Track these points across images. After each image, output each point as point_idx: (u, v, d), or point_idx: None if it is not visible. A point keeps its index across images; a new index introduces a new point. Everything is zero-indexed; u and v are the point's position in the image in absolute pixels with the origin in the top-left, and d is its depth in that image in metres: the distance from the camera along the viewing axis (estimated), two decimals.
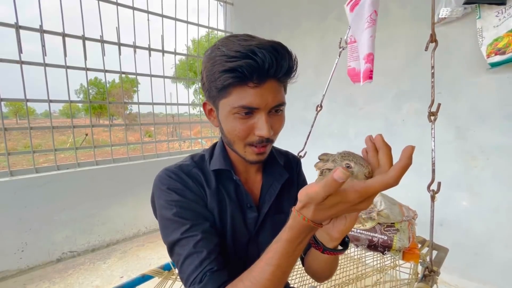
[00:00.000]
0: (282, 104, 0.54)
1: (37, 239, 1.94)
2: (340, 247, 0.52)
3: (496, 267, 1.38)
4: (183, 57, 3.14)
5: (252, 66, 0.47)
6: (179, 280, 1.08)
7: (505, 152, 1.32)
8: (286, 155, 0.76)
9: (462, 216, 1.48)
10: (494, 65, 1.23)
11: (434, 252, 1.10)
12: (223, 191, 0.60)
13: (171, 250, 0.54)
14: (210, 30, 3.01)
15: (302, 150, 1.42)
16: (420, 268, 1.06)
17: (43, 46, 1.94)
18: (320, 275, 0.66)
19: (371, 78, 1.06)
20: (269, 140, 0.55)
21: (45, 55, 1.94)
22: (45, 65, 1.94)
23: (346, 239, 0.53)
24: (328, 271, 0.65)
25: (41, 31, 1.90)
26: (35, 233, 1.93)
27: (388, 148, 0.39)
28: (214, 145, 0.66)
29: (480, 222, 1.42)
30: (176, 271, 1.11)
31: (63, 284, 1.79)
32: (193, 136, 3.30)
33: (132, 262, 2.06)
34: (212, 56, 0.51)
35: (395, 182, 0.34)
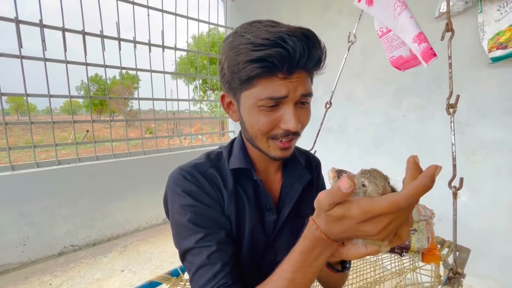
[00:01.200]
0: (310, 94, 0.49)
1: (38, 233, 1.96)
2: (338, 267, 0.49)
3: (495, 262, 1.38)
4: (184, 54, 3.12)
5: (282, 56, 0.42)
6: (188, 286, 1.02)
7: (505, 148, 1.32)
8: (307, 154, 0.70)
9: (461, 212, 1.47)
10: (495, 59, 1.22)
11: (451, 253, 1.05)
12: (241, 192, 0.56)
13: (183, 257, 0.51)
14: (211, 26, 2.99)
15: (312, 148, 1.41)
16: (442, 270, 1.00)
17: (43, 40, 1.94)
18: (324, 285, 0.64)
19: (435, 55, 0.96)
20: (296, 134, 0.50)
21: (45, 50, 1.94)
22: (45, 59, 1.94)
23: (348, 264, 0.50)
24: (331, 284, 0.61)
25: (41, 25, 1.90)
26: (37, 227, 1.95)
27: (414, 169, 0.32)
28: (232, 142, 0.61)
29: (479, 217, 1.42)
30: (185, 277, 1.05)
31: (64, 277, 1.81)
32: (193, 132, 3.30)
33: (133, 256, 2.08)
34: (235, 44, 0.46)
35: (405, 202, 0.28)
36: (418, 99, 1.62)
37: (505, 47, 1.14)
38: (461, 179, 0.75)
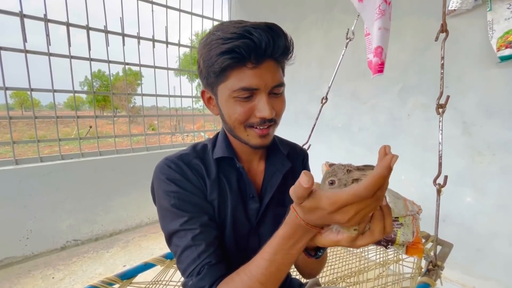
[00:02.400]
0: (281, 84, 0.53)
1: (41, 227, 1.97)
2: (312, 253, 0.51)
3: (499, 264, 1.37)
4: (187, 51, 3.12)
5: (249, 46, 0.46)
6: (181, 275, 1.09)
7: None
8: (293, 146, 0.74)
9: (466, 212, 1.47)
10: (504, 58, 1.20)
11: (439, 247, 1.10)
12: (224, 181, 0.59)
13: (169, 240, 0.55)
14: (215, 23, 2.98)
15: (306, 143, 1.41)
16: (423, 263, 1.05)
17: (47, 35, 1.94)
18: (301, 272, 0.67)
19: (381, 71, 1.02)
20: (272, 121, 0.53)
21: (49, 45, 1.95)
22: (49, 54, 1.94)
23: (321, 251, 0.52)
24: (308, 270, 0.64)
25: (45, 20, 1.90)
26: (40, 221, 1.96)
27: (383, 160, 0.33)
28: (217, 135, 0.65)
29: (484, 218, 1.41)
30: None
31: (67, 271, 1.83)
32: (196, 129, 3.30)
33: (134, 251, 2.09)
34: (208, 41, 0.50)
35: (367, 193, 0.30)
36: (424, 98, 1.60)
37: None
38: (445, 177, 0.78)
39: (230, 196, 0.58)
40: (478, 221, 1.43)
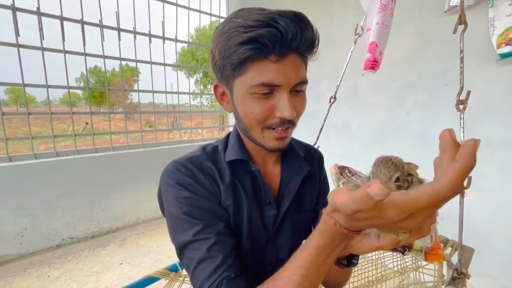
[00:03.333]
0: (305, 82, 0.48)
1: (36, 225, 1.94)
2: (345, 262, 0.46)
3: (497, 261, 1.38)
4: (185, 46, 3.08)
5: (274, 36, 0.41)
6: (187, 282, 0.99)
7: (511, 146, 1.29)
8: (308, 148, 0.68)
9: (464, 210, 1.47)
10: (504, 56, 1.19)
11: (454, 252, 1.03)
12: (239, 186, 0.53)
13: (181, 253, 0.49)
14: (213, 18, 2.94)
15: (315, 143, 1.38)
16: (445, 270, 0.98)
17: (41, 29, 1.89)
18: (327, 285, 0.61)
19: (372, 68, 0.99)
20: (291, 122, 0.49)
21: (43, 39, 1.90)
22: (43, 49, 1.90)
23: (355, 259, 0.47)
24: (334, 281, 0.58)
25: (39, 13, 1.85)
26: (35, 219, 1.93)
27: (452, 146, 0.27)
28: (228, 135, 0.59)
29: (482, 216, 1.41)
30: (184, 272, 1.01)
31: (63, 270, 1.81)
32: (193, 126, 3.27)
33: (131, 249, 2.07)
34: (226, 29, 0.45)
35: (449, 190, 0.24)
36: (424, 96, 1.59)
37: None
38: (470, 178, 0.72)
39: (246, 201, 0.53)
40: (476, 219, 1.43)
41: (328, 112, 1.23)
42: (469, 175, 0.71)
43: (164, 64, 2.57)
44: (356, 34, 1.14)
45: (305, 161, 0.60)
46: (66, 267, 1.84)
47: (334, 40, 1.98)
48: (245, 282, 0.46)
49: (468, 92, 0.72)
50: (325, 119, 1.23)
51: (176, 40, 2.61)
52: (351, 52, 1.16)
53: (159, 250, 2.05)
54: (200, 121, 3.11)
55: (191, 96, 2.92)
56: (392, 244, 0.33)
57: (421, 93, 1.60)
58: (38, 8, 1.84)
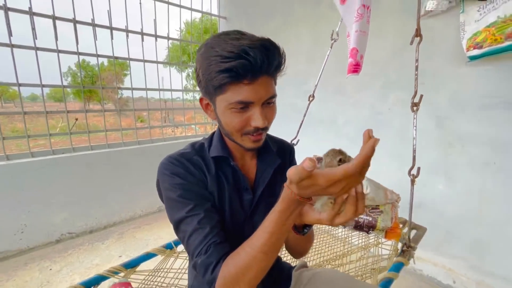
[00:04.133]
0: (274, 96, 0.59)
1: (35, 221, 2.00)
2: (301, 230, 0.60)
3: (465, 244, 1.53)
4: (176, 42, 3.10)
5: (246, 66, 0.51)
6: (180, 257, 1.18)
7: (479, 140, 1.43)
8: (281, 143, 0.81)
9: (438, 199, 1.61)
10: (472, 58, 1.30)
11: (413, 231, 1.22)
12: (222, 176, 0.66)
13: (177, 228, 0.60)
14: (203, 14, 2.97)
15: (295, 138, 1.49)
16: (400, 245, 1.17)
17: (33, 29, 1.91)
18: (292, 251, 0.76)
19: (355, 71, 1.10)
20: (264, 129, 0.60)
21: (36, 38, 1.92)
22: (36, 48, 1.92)
23: (308, 228, 0.61)
24: (298, 248, 0.74)
25: (31, 13, 1.87)
26: (34, 215, 1.99)
27: (368, 142, 0.40)
28: (213, 134, 0.71)
29: (454, 204, 1.55)
30: (178, 249, 1.19)
31: (64, 263, 1.88)
32: (186, 122, 3.33)
33: (129, 242, 2.16)
34: (207, 56, 0.54)
35: (356, 170, 0.37)
36: (403, 93, 1.71)
37: (481, 47, 1.23)
38: (418, 169, 0.87)
39: (227, 188, 0.65)
40: (448, 206, 1.58)
41: (307, 109, 1.33)
42: (419, 166, 0.82)
43: (157, 62, 2.61)
44: (332, 39, 1.23)
45: (277, 156, 0.73)
46: (67, 260, 1.91)
47: (321, 40, 2.07)
48: (229, 247, 0.57)
49: (421, 96, 0.84)
50: (304, 115, 1.33)
51: (168, 38, 2.64)
52: (328, 55, 1.25)
53: (156, 243, 2.14)
54: (192, 116, 3.16)
55: (183, 92, 2.97)
56: (328, 218, 0.47)
57: (400, 91, 1.71)
58: (30, 8, 1.86)
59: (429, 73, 1.55)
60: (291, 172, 0.40)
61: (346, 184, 0.41)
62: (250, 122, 0.57)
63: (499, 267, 1.42)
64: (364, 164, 0.38)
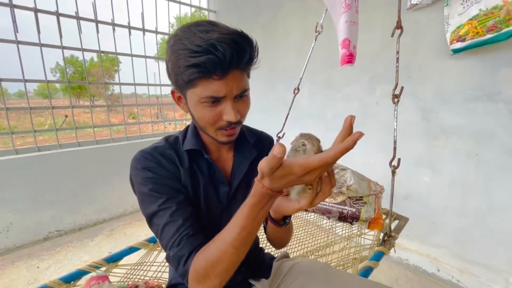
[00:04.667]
0: (246, 90, 0.57)
1: (22, 219, 1.96)
2: (281, 222, 0.61)
3: (449, 234, 1.57)
4: (166, 36, 3.06)
5: (214, 61, 0.49)
6: (164, 251, 1.18)
7: (462, 132, 1.46)
8: (260, 135, 0.79)
9: (424, 190, 1.64)
10: (455, 51, 1.32)
11: (396, 221, 1.25)
12: (196, 169, 0.65)
13: (150, 222, 0.59)
14: (193, 9, 2.92)
15: (281, 131, 1.50)
16: (382, 235, 1.21)
17: (14, 21, 1.85)
18: (273, 243, 0.77)
19: (350, 62, 1.08)
20: (238, 123, 0.59)
21: (17, 32, 1.86)
22: (18, 42, 1.86)
23: (287, 219, 0.62)
24: (279, 240, 0.74)
25: (11, 5, 1.81)
26: (20, 213, 1.95)
27: (346, 131, 0.40)
28: (187, 128, 0.70)
29: (438, 195, 1.59)
30: None
31: (52, 261, 1.86)
32: (177, 117, 3.29)
33: (120, 239, 2.14)
34: (175, 49, 0.52)
35: (332, 160, 0.37)
36: (390, 87, 1.71)
37: (464, 40, 1.25)
38: (399, 160, 0.88)
39: (202, 181, 0.65)
40: (433, 197, 1.61)
41: (292, 102, 1.33)
42: (399, 157, 0.83)
43: (146, 57, 2.57)
44: (316, 32, 1.23)
45: (253, 148, 0.72)
46: (55, 258, 1.89)
47: (311, 33, 2.06)
48: (202, 238, 0.57)
49: (402, 88, 0.84)
50: (289, 108, 1.34)
51: (156, 32, 2.60)
52: (312, 48, 1.25)
53: (147, 238, 2.13)
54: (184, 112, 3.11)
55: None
56: (307, 204, 0.47)
57: (387, 84, 1.73)
58: (10, 0, 1.79)
59: (416, 66, 1.57)
60: (262, 165, 0.40)
61: (320, 173, 0.41)
62: (223, 116, 0.56)
63: (481, 255, 1.46)
64: (342, 155, 0.37)
